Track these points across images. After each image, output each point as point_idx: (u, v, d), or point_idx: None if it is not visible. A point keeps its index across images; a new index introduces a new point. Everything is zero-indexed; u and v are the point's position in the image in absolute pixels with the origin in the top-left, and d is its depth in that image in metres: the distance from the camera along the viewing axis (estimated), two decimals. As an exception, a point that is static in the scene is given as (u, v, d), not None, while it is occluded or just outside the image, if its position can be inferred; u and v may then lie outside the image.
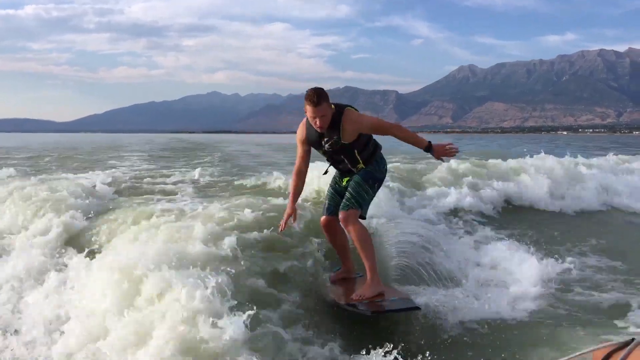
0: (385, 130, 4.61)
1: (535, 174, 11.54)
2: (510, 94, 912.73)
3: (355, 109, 4.67)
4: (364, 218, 4.77)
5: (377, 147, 4.86)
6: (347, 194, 4.64)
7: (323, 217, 4.96)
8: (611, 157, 17.02)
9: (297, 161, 4.83)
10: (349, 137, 4.55)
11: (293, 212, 4.77)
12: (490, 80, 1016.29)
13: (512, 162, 13.23)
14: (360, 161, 4.69)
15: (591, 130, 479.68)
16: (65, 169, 16.77)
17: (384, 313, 4.32)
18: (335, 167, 4.91)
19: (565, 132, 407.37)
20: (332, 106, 4.54)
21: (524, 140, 76.20)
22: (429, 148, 4.51)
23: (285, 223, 4.77)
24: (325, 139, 4.60)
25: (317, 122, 4.46)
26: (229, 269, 4.14)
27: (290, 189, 4.98)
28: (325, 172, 5.10)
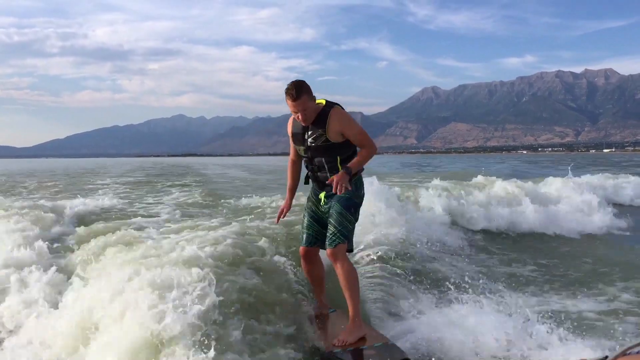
0: (363, 143, 4.37)
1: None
2: (472, 114, 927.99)
3: (343, 109, 4.45)
4: (352, 250, 4.53)
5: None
6: (331, 227, 4.31)
7: (302, 248, 4.68)
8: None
9: (291, 152, 4.77)
10: (334, 136, 4.32)
11: (288, 207, 4.84)
12: (453, 101, 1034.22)
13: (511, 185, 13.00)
14: None
15: (550, 149, 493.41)
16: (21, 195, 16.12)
17: None
18: (313, 176, 4.59)
19: (525, 152, 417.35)
20: (323, 101, 4.40)
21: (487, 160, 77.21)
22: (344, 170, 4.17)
23: (279, 216, 4.82)
24: (310, 132, 4.39)
25: (300, 116, 4.30)
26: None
27: (288, 181, 4.89)
28: (307, 182, 4.72)
